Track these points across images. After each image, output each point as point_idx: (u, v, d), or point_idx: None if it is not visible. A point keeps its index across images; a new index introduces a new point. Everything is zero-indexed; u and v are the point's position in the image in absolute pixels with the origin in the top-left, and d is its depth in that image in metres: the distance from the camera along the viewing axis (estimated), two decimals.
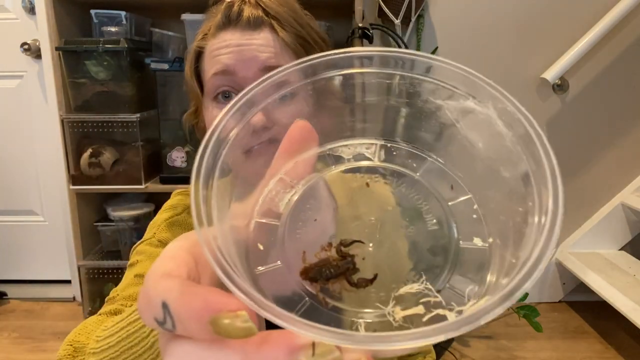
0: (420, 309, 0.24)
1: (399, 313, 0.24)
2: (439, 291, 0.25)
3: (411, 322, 0.24)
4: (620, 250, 2.03)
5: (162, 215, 0.74)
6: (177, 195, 0.78)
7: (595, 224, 2.02)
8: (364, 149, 0.30)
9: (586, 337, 1.86)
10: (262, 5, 0.62)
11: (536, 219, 0.21)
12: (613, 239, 2.03)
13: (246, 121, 0.26)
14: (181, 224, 0.72)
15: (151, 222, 0.74)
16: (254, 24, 0.61)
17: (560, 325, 1.95)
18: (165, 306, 0.19)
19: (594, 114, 1.96)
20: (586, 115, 1.96)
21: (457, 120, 0.27)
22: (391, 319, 0.24)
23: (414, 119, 0.29)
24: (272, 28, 0.61)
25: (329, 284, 0.25)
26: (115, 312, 0.57)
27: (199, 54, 0.66)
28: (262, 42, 0.61)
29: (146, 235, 0.72)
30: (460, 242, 0.26)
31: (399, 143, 0.30)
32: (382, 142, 0.30)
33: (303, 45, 0.63)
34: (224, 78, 0.61)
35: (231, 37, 0.61)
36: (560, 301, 2.11)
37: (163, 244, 0.68)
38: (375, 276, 0.26)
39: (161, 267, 0.22)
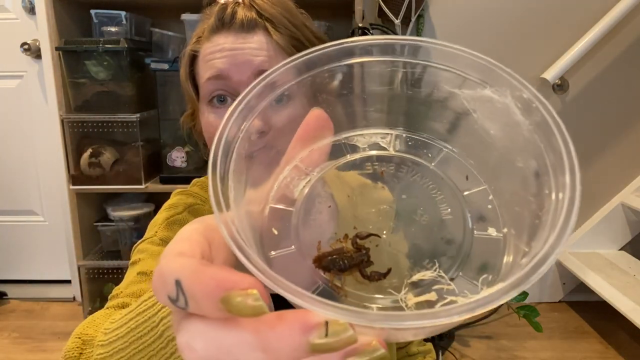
0: (432, 296, 0.24)
1: (412, 299, 0.24)
2: (452, 279, 0.25)
3: (423, 308, 0.24)
4: (620, 250, 2.03)
5: (163, 214, 0.74)
6: (177, 195, 0.78)
7: (595, 224, 2.02)
8: (379, 138, 0.30)
9: (586, 337, 1.86)
10: (256, 6, 0.62)
11: (552, 206, 0.21)
12: (613, 239, 2.03)
13: (248, 124, 0.26)
14: (181, 223, 0.72)
15: (152, 222, 0.74)
16: (248, 27, 0.61)
17: (560, 325, 1.95)
18: (178, 283, 0.19)
19: (594, 114, 1.97)
20: (586, 115, 1.96)
21: (474, 109, 0.27)
22: (403, 304, 0.24)
23: (429, 108, 0.29)
24: (265, 30, 0.61)
25: (341, 274, 0.25)
26: (122, 306, 0.56)
27: (194, 58, 0.66)
28: (255, 46, 0.61)
29: (147, 234, 0.72)
30: (475, 232, 0.26)
31: (414, 133, 0.30)
32: (398, 132, 0.30)
33: (297, 47, 0.63)
34: (218, 82, 0.62)
35: (225, 41, 0.61)
36: (560, 301, 2.11)
37: (164, 242, 0.69)
38: (389, 270, 0.26)
39: (175, 247, 0.22)
